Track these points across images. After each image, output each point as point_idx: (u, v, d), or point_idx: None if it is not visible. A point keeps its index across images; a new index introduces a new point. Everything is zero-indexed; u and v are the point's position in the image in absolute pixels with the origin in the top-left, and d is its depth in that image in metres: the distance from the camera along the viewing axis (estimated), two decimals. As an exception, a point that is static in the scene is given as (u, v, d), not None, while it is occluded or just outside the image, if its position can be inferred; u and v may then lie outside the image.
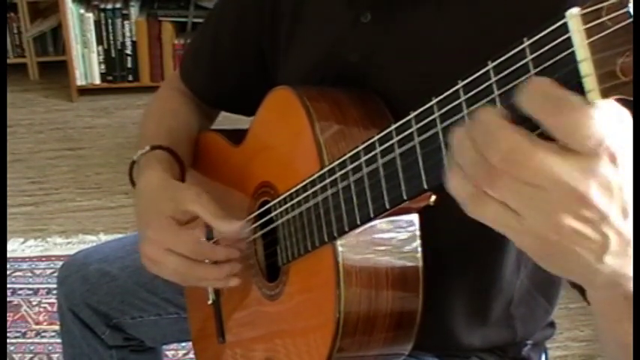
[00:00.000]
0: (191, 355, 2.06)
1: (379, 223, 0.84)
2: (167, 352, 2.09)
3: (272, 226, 0.95)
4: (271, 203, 0.95)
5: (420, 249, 0.85)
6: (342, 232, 0.80)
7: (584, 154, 0.48)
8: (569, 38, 0.47)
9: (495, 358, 1.05)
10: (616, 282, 0.54)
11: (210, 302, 1.12)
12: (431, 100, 0.60)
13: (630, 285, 0.55)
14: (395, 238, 0.85)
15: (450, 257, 0.95)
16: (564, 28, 0.47)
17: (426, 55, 0.90)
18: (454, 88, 0.56)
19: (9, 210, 2.67)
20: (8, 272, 2.41)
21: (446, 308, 0.98)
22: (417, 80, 0.86)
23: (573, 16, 0.46)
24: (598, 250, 0.51)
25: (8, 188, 2.81)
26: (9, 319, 2.24)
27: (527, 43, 0.50)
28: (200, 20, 3.31)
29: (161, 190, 1.02)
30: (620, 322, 0.61)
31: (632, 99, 0.45)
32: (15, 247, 2.53)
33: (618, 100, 0.49)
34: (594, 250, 0.51)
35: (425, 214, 0.84)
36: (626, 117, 0.50)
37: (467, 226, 0.92)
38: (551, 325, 1.11)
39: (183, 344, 2.07)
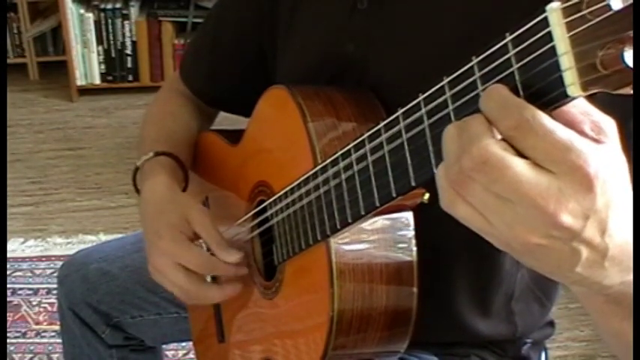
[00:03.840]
0: (191, 355, 2.06)
1: (374, 221, 0.84)
2: (167, 352, 2.09)
3: (268, 224, 0.95)
4: (266, 202, 0.95)
5: (414, 247, 0.85)
6: (334, 230, 0.80)
7: (558, 174, 0.48)
8: (549, 32, 0.47)
9: (495, 357, 1.05)
10: (586, 285, 0.54)
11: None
12: (418, 97, 0.60)
13: (607, 291, 0.55)
14: (389, 236, 0.85)
15: (450, 250, 0.95)
16: (545, 22, 0.47)
17: (422, 44, 0.90)
18: (440, 85, 0.56)
19: (9, 210, 2.68)
20: (8, 272, 2.41)
21: (448, 301, 0.98)
22: (413, 69, 0.86)
23: (554, 9, 0.46)
24: (567, 261, 0.51)
25: (8, 188, 2.82)
26: (9, 319, 2.24)
27: (509, 38, 0.50)
28: (200, 20, 3.31)
29: (170, 202, 1.02)
30: (602, 317, 0.62)
31: (612, 92, 0.45)
32: (15, 247, 2.54)
33: (602, 104, 0.49)
34: (563, 261, 0.51)
35: (423, 207, 0.84)
36: (608, 128, 0.50)
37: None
38: (551, 324, 1.11)
39: (183, 344, 2.07)
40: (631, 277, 0.54)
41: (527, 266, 0.55)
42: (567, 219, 0.49)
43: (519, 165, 0.49)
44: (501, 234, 0.51)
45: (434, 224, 0.84)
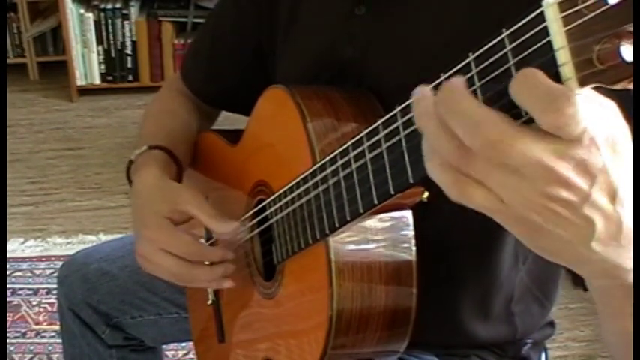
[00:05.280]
0: (191, 355, 2.07)
1: (373, 220, 0.83)
2: (167, 352, 2.09)
3: (267, 224, 0.95)
4: (266, 202, 0.95)
5: (414, 247, 0.85)
6: (333, 229, 0.80)
7: (565, 138, 0.48)
8: (545, 27, 0.47)
9: (495, 357, 1.05)
10: (609, 272, 0.54)
11: (209, 302, 1.13)
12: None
13: (628, 277, 0.54)
14: (389, 236, 0.85)
15: (450, 253, 0.95)
16: (541, 17, 0.47)
17: (419, 51, 0.89)
18: (437, 81, 0.56)
19: (9, 210, 2.68)
20: (8, 272, 2.41)
21: (448, 306, 0.98)
22: (410, 75, 0.86)
23: (550, 4, 0.46)
24: (582, 233, 0.51)
25: (8, 188, 2.82)
26: (9, 319, 2.24)
27: (506, 33, 0.50)
28: (200, 20, 3.32)
29: (157, 190, 1.02)
30: (617, 317, 0.60)
31: (610, 87, 0.45)
32: (15, 247, 2.54)
33: (601, 90, 0.49)
34: (578, 233, 0.51)
35: (424, 210, 0.84)
36: (609, 105, 0.50)
37: (461, 221, 0.93)
38: (551, 324, 1.11)
39: (183, 344, 2.07)
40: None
41: (540, 252, 0.54)
42: (573, 175, 0.48)
43: (528, 135, 0.49)
44: (515, 210, 0.51)
45: (434, 226, 0.84)
